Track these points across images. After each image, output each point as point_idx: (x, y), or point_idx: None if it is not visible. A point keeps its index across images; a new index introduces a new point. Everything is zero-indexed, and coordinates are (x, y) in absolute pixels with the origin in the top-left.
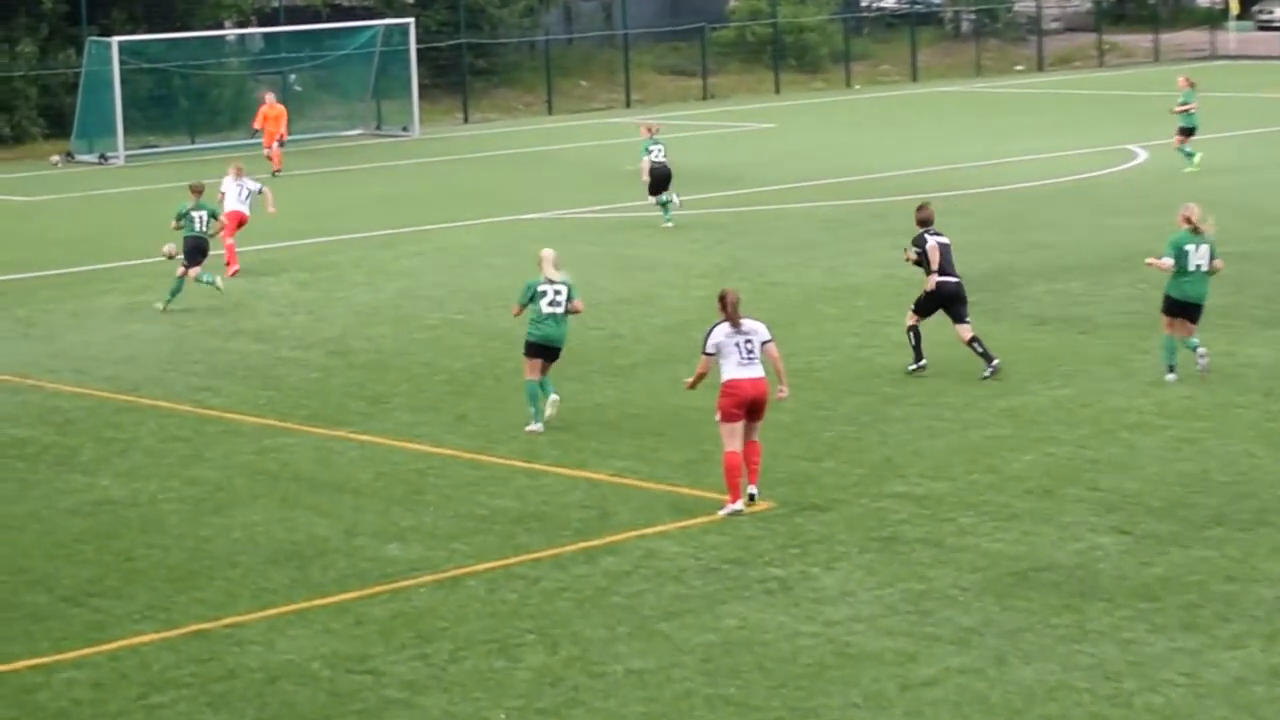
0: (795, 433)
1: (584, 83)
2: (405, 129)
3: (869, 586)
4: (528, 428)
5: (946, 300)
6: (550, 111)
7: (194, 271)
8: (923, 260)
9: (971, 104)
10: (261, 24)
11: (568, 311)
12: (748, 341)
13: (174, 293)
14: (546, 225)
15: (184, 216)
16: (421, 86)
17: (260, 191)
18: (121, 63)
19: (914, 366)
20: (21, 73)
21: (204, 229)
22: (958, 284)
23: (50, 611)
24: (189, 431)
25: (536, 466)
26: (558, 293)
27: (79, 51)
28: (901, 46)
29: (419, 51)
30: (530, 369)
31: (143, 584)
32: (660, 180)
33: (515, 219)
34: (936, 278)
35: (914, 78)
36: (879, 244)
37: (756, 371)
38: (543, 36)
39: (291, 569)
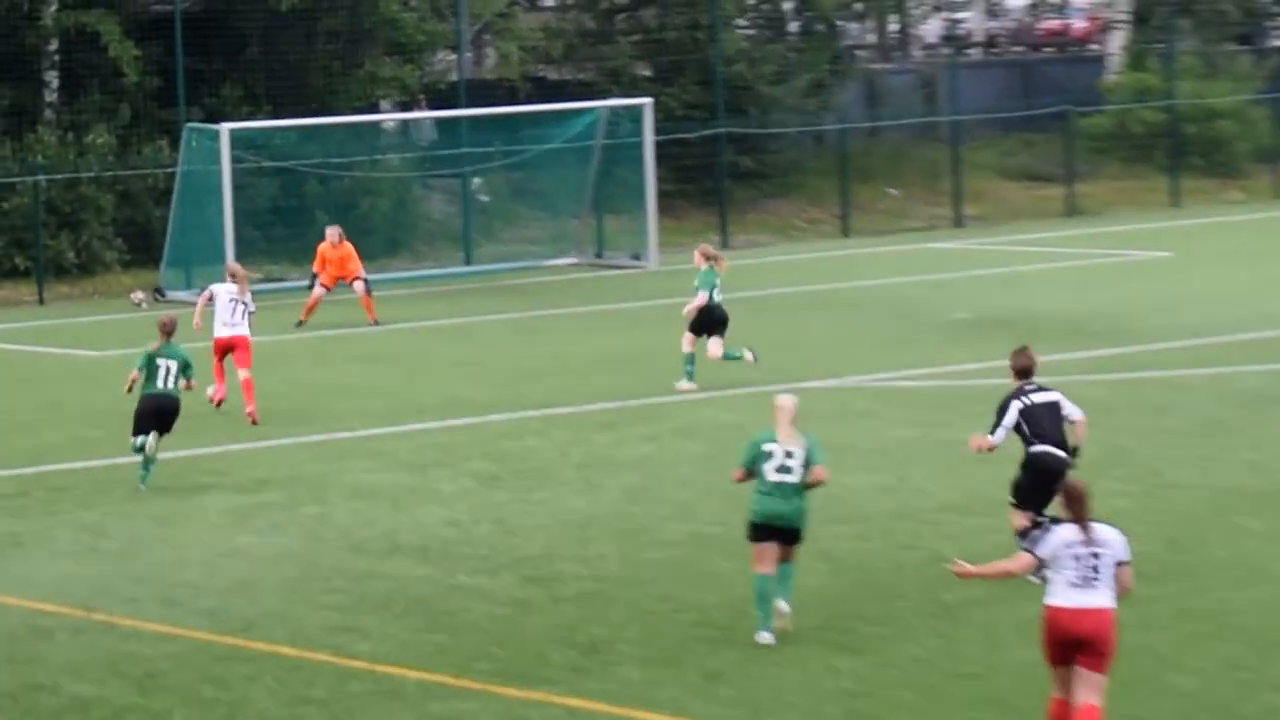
0: (1202, 705)
1: (894, 191)
2: (637, 257)
3: None
4: (757, 636)
5: (1050, 479)
6: (846, 233)
7: (150, 440)
8: (1021, 428)
9: None
10: (433, 106)
11: (806, 484)
12: (1094, 555)
13: (146, 466)
14: (839, 396)
15: (148, 366)
16: (662, 195)
17: (251, 313)
18: (234, 159)
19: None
20: (92, 174)
21: (170, 384)
22: (1062, 460)
23: None
24: (323, 691)
25: None
26: (789, 455)
27: (174, 143)
28: None
29: (659, 145)
30: (758, 558)
31: None
32: (709, 324)
33: (794, 387)
34: (1034, 447)
35: None
36: None
37: (1095, 599)
38: (835, 124)
39: None
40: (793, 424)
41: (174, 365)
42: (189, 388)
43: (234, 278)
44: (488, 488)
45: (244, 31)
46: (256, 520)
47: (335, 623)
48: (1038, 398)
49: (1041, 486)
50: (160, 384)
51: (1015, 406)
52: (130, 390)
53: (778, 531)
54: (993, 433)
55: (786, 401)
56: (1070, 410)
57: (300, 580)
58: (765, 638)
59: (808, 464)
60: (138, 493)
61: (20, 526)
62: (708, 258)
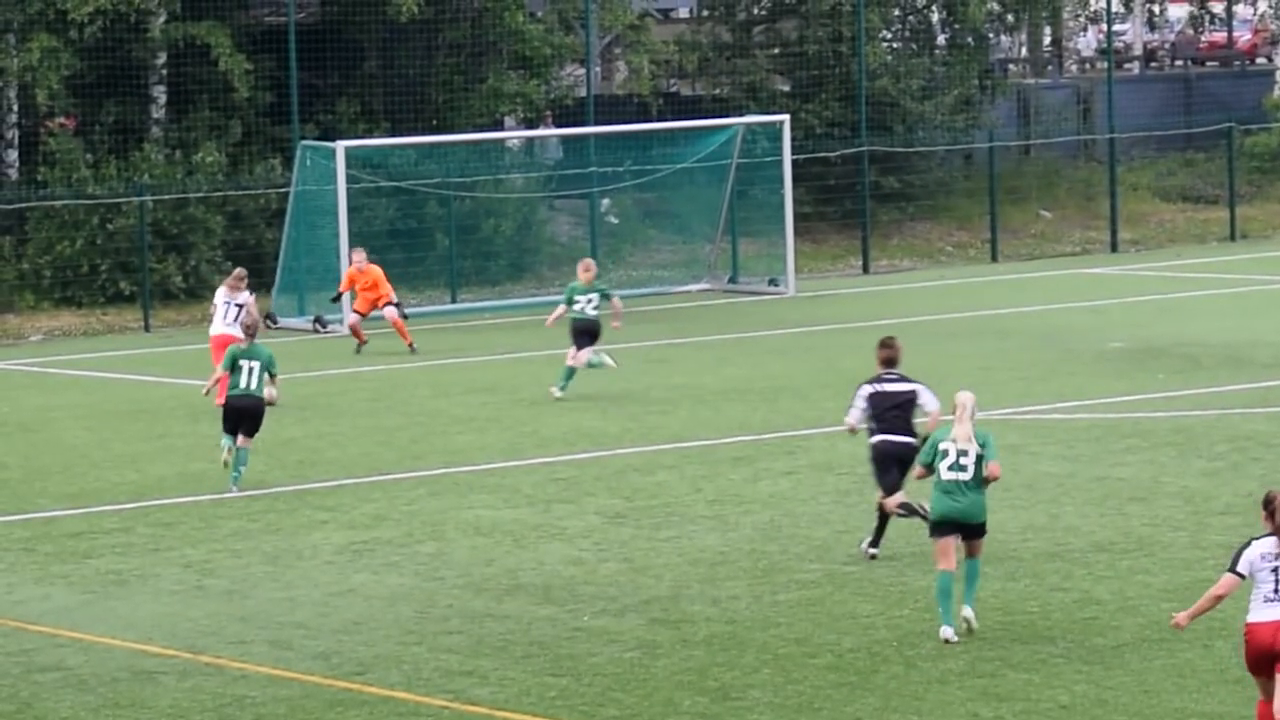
0: None
1: (1045, 213)
2: (774, 283)
3: None
4: (941, 632)
5: (890, 461)
6: (994, 257)
7: (241, 442)
8: (869, 414)
9: None
10: (560, 123)
11: (981, 480)
12: None
13: (236, 465)
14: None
15: (233, 367)
16: (800, 217)
17: (243, 305)
18: (350, 179)
19: (865, 546)
20: (200, 193)
21: (253, 385)
22: (906, 445)
23: None
24: None
25: None
26: (963, 454)
27: (286, 162)
28: None
29: (797, 164)
30: (940, 553)
31: None
32: (583, 335)
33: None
34: (873, 438)
35: None
36: None
37: None
38: (984, 143)
39: None
40: (970, 420)
41: (257, 366)
42: (273, 386)
43: (232, 288)
44: (614, 524)
45: (361, 44)
46: (371, 558)
47: (453, 666)
48: (890, 387)
49: (885, 470)
50: (244, 384)
51: (864, 391)
52: (207, 394)
53: (957, 526)
54: (848, 415)
55: (965, 398)
56: (926, 400)
57: (416, 621)
58: (947, 633)
59: (981, 460)
60: (230, 494)
61: (124, 564)
62: (588, 272)
